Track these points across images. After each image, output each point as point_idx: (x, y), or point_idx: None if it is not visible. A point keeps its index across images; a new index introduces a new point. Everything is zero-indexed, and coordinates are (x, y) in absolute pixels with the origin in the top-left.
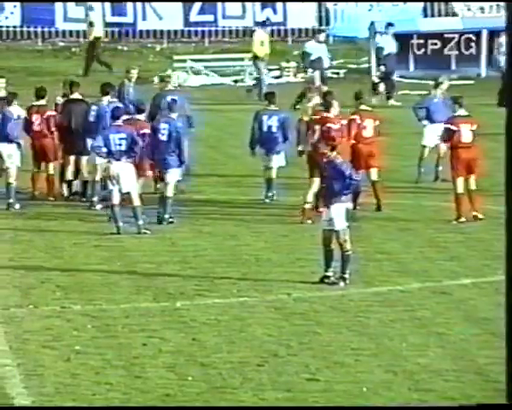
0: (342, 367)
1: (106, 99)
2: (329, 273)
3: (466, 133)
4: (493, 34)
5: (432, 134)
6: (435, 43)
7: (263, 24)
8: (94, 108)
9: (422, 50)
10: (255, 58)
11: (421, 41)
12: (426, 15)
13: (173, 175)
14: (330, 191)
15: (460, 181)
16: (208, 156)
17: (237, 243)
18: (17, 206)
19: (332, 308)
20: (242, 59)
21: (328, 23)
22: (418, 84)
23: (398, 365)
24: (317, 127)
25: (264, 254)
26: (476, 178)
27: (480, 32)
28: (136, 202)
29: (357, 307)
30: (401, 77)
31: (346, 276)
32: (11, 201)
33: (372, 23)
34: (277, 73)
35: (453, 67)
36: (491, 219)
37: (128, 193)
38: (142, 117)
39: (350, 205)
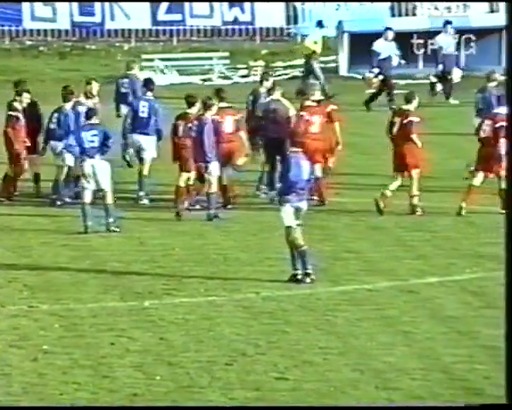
0: (310, 366)
1: (69, 105)
2: (297, 271)
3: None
4: (459, 33)
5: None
6: (403, 43)
7: (318, 24)
8: (55, 115)
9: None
10: (309, 56)
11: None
12: (393, 15)
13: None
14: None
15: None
16: None
17: (205, 241)
18: None
19: (300, 307)
20: (211, 58)
21: (296, 22)
22: None
23: (366, 363)
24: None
25: (233, 253)
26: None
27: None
28: (109, 199)
29: (324, 306)
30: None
31: (310, 271)
32: None
33: (340, 22)
34: (245, 72)
35: (420, 66)
36: (458, 218)
37: (102, 190)
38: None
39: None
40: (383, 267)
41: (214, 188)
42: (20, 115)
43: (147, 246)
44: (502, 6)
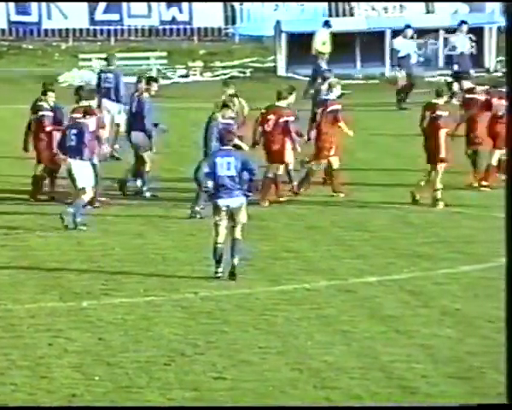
0: (249, 366)
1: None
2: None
3: None
4: (396, 34)
5: None
6: (340, 43)
7: (325, 24)
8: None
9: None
10: (317, 57)
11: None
12: (330, 15)
13: None
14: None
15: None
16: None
17: (144, 241)
18: None
19: (238, 307)
20: (148, 58)
21: (234, 22)
22: None
23: (304, 363)
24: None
25: (171, 252)
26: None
27: (383, 31)
28: (85, 197)
29: (263, 306)
30: (306, 76)
31: (219, 272)
32: None
33: (278, 22)
34: (184, 72)
35: (358, 66)
36: (397, 218)
37: (83, 189)
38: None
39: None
40: (322, 267)
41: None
42: (50, 114)
43: (85, 246)
44: (438, 7)
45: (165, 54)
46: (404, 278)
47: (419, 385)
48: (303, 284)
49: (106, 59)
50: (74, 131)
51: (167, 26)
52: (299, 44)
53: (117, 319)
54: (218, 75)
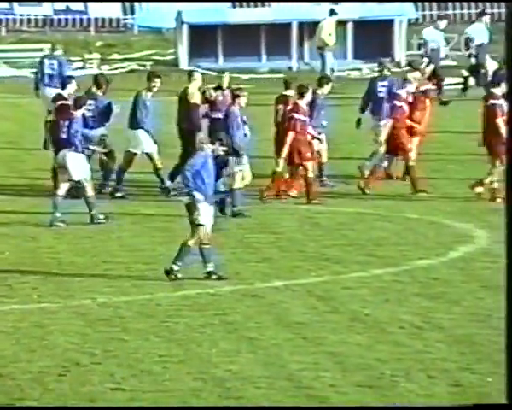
0: (149, 375)
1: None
2: (210, 269)
3: None
4: (303, 26)
5: None
6: (245, 35)
7: (332, 12)
8: None
9: (231, 42)
10: (324, 47)
11: (230, 32)
12: (234, 6)
13: None
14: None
15: None
16: (7, 154)
17: (38, 245)
18: None
19: (139, 314)
20: (41, 49)
21: (133, 13)
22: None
23: (208, 372)
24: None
25: (67, 256)
26: None
27: (290, 23)
28: (89, 191)
29: (164, 312)
30: (208, 70)
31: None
32: None
33: (179, 13)
34: (80, 64)
35: (264, 59)
36: (304, 219)
37: (79, 181)
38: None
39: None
40: (227, 271)
41: (237, 183)
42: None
43: None
44: None
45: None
46: (312, 282)
47: (327, 394)
48: (206, 288)
49: (52, 45)
50: (66, 123)
51: (62, 16)
52: (202, 36)
53: (8, 327)
54: (116, 68)
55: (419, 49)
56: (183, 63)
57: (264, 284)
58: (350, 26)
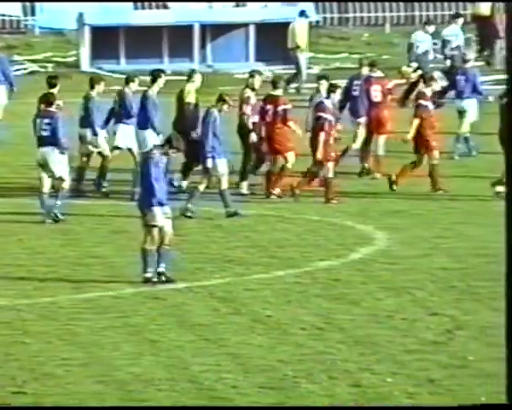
0: (51, 379)
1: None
2: (162, 269)
3: None
4: (205, 28)
5: None
6: (147, 37)
7: (302, 14)
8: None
9: (133, 44)
10: (296, 49)
11: (132, 34)
12: (136, 8)
13: None
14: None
15: None
16: None
17: None
18: None
19: (40, 316)
20: None
21: (33, 13)
22: None
23: (110, 375)
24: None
25: None
26: None
27: (192, 25)
28: (65, 186)
29: (67, 315)
30: (111, 72)
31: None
32: None
33: (81, 15)
34: None
35: (166, 61)
36: (206, 221)
37: (60, 177)
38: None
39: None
40: (128, 273)
41: (225, 184)
42: None
43: None
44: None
45: None
46: (215, 283)
47: (230, 396)
48: (108, 291)
49: None
50: (47, 120)
51: None
52: (104, 38)
53: None
54: (18, 70)
55: (408, 51)
56: (85, 65)
57: (166, 285)
58: (252, 29)
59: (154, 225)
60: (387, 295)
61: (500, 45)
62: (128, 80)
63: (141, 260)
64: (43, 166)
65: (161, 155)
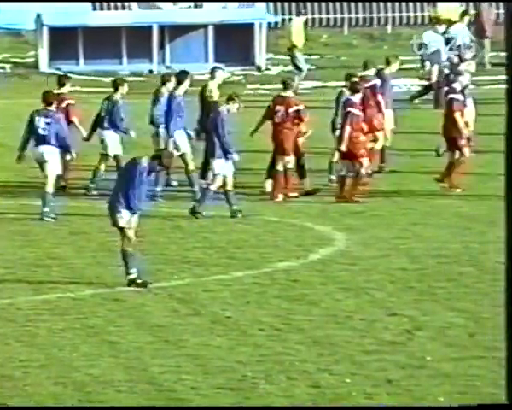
0: (10, 381)
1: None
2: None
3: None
4: (164, 29)
5: None
6: (105, 37)
7: (299, 13)
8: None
9: (92, 45)
10: (293, 48)
11: (91, 35)
12: (95, 8)
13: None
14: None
15: None
16: None
17: None
18: None
19: None
20: None
21: None
22: (89, 81)
23: (69, 376)
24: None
25: None
26: None
27: (151, 26)
28: (49, 188)
29: (25, 316)
30: (70, 72)
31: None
32: None
33: (38, 15)
34: None
35: (125, 62)
36: (165, 222)
37: (46, 176)
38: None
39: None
40: (88, 274)
41: (215, 185)
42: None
43: None
44: (206, 3)
45: None
46: (174, 285)
47: (189, 397)
48: (67, 292)
49: None
50: (47, 119)
51: None
52: (62, 39)
53: None
54: None
55: (419, 50)
56: (43, 66)
57: (126, 287)
58: (211, 30)
59: (126, 227)
60: (346, 295)
61: (487, 47)
62: (117, 85)
63: (122, 263)
64: (41, 164)
65: (149, 167)
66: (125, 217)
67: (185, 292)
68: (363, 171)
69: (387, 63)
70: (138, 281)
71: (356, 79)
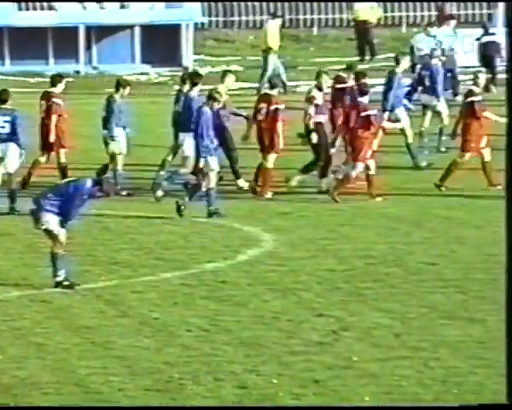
0: None
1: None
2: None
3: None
4: (90, 30)
5: None
6: (32, 39)
7: (273, 15)
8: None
9: (18, 45)
10: (268, 51)
11: (17, 36)
12: (20, 9)
13: None
14: None
15: None
16: None
17: None
18: None
19: None
20: None
21: None
22: (15, 81)
23: None
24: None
25: None
26: None
27: (77, 27)
28: (14, 184)
29: None
30: None
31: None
32: None
33: None
34: None
35: (51, 63)
36: (92, 223)
37: (10, 174)
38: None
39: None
40: (14, 276)
41: (213, 183)
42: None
43: None
44: (133, 3)
45: None
46: (102, 286)
47: (117, 399)
48: None
49: None
50: (5, 117)
51: None
52: None
53: None
54: None
55: (412, 53)
56: None
57: (53, 288)
58: (137, 30)
59: (48, 230)
60: (274, 296)
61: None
62: (118, 86)
63: (50, 264)
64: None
65: (90, 191)
66: (51, 222)
67: (113, 293)
68: (353, 173)
69: (397, 62)
70: (66, 282)
71: (364, 81)
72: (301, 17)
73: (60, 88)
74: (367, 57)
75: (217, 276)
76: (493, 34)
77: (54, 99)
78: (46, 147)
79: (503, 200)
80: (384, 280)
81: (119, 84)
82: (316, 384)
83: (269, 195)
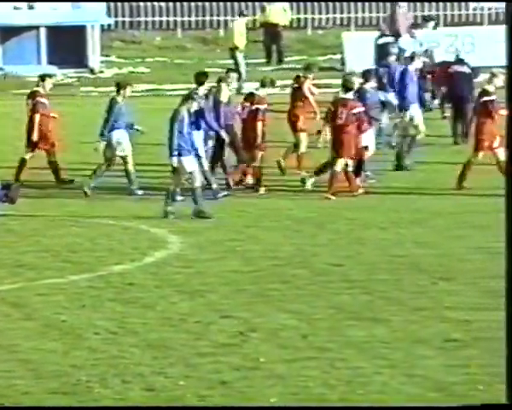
0: None
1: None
2: None
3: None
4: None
5: None
6: None
7: (241, 14)
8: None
9: None
10: (235, 49)
11: None
12: None
13: None
14: None
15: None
16: None
17: None
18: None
19: None
20: None
21: None
22: None
23: None
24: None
25: None
26: None
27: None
28: None
29: None
30: None
31: None
32: None
33: None
34: None
35: None
36: (47, 222)
37: None
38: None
39: None
40: None
41: (198, 182)
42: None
43: None
44: (38, 4)
45: None
46: (6, 289)
47: (21, 402)
48: None
49: None
50: None
51: None
52: None
53: None
54: None
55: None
56: None
57: None
58: (43, 31)
59: None
60: (181, 298)
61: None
62: (119, 88)
63: None
64: None
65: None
66: None
67: (18, 296)
68: (337, 169)
69: (412, 59)
70: None
71: (352, 79)
72: (208, 19)
73: (46, 87)
74: (274, 61)
75: (124, 278)
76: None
77: (38, 98)
78: (31, 145)
79: (407, 200)
80: (291, 281)
81: (119, 85)
82: (223, 386)
83: (262, 191)
